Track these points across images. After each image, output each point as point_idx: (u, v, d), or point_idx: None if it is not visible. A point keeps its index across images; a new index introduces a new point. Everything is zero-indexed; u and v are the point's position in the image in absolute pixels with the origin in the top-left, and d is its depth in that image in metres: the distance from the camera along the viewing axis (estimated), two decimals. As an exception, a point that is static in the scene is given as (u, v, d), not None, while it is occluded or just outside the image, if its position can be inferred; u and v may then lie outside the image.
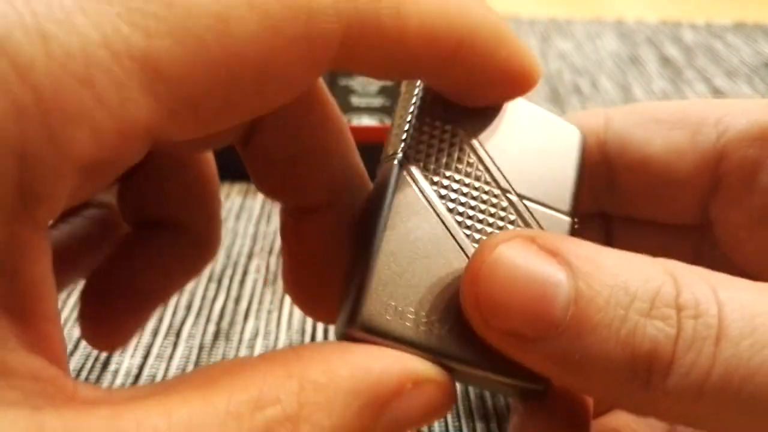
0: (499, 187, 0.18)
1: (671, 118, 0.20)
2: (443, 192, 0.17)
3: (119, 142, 0.12)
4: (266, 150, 0.19)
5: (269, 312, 0.31)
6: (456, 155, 0.17)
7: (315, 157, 0.19)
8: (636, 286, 0.14)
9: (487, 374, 0.16)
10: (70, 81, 0.11)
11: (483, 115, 0.18)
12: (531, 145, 0.18)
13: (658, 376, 0.14)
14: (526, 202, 0.18)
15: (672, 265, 0.15)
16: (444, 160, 0.17)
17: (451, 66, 0.16)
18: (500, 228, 0.17)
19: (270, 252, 0.35)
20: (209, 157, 0.21)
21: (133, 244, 0.21)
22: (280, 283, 0.33)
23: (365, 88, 0.45)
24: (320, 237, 0.19)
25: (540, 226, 0.18)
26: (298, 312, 0.31)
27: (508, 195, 0.18)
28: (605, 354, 0.14)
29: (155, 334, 0.30)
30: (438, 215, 0.17)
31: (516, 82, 0.17)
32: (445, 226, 0.17)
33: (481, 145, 0.18)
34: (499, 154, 0.18)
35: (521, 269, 0.15)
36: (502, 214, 0.17)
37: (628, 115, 0.20)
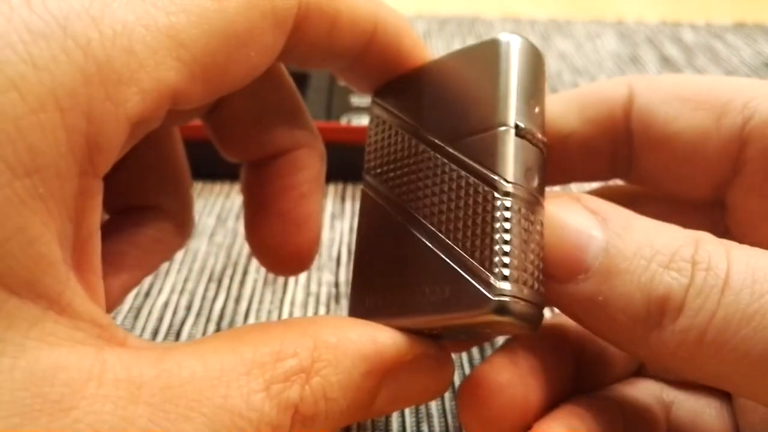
0: (434, 148, 0.19)
1: (697, 97, 0.20)
2: (393, 184, 0.19)
3: (157, 102, 0.15)
4: (231, 117, 0.22)
5: (269, 312, 0.31)
6: (399, 148, 0.20)
7: (275, 114, 0.22)
8: (660, 244, 0.16)
9: (469, 319, 0.17)
10: (119, 52, 0.14)
11: (418, 101, 0.20)
12: (456, 90, 0.19)
13: (669, 318, 0.15)
14: (456, 143, 0.19)
15: (697, 233, 0.16)
16: (392, 158, 0.20)
17: (368, 50, 0.19)
18: (439, 190, 0.18)
19: (270, 252, 0.35)
20: (181, 147, 0.23)
21: (112, 225, 0.22)
22: (280, 283, 0.33)
23: (365, 88, 0.45)
24: (280, 180, 0.22)
25: (472, 158, 0.18)
26: (298, 312, 0.31)
27: (443, 150, 0.19)
28: (626, 297, 0.16)
29: (155, 334, 0.30)
30: (393, 207, 0.19)
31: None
32: (398, 214, 0.19)
33: (417, 123, 0.20)
34: (429, 120, 0.20)
35: (562, 220, 0.17)
36: (439, 171, 0.18)
37: (652, 89, 0.20)
